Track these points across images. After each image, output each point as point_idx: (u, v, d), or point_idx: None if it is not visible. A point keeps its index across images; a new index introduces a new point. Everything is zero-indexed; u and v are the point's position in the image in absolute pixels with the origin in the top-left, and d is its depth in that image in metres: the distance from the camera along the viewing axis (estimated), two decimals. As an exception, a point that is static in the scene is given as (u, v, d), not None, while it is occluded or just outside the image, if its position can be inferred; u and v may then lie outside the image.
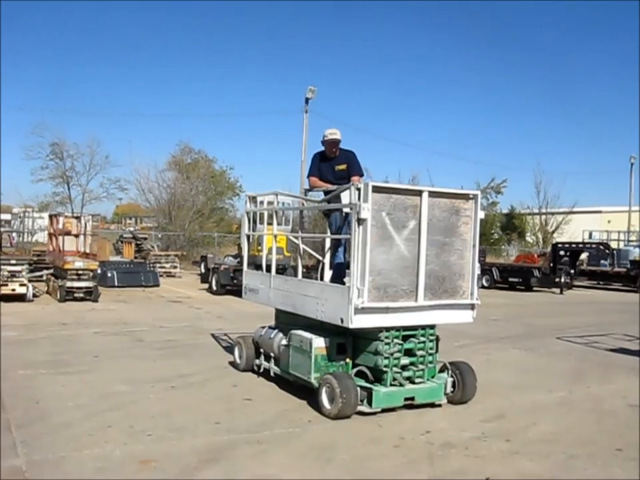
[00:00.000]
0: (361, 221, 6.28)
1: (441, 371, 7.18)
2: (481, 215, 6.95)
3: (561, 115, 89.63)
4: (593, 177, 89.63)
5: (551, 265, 26.26)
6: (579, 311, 19.48)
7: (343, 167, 7.67)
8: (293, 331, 7.25)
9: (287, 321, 8.05)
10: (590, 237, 36.32)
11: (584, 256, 30.39)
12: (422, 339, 6.85)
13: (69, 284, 16.37)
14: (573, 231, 38.95)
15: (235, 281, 18.60)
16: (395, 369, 6.66)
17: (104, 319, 13.61)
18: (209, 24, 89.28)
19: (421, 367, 6.84)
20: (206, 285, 21.05)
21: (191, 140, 41.28)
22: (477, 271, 7.02)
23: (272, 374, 7.85)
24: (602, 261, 29.87)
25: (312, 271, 20.67)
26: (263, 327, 8.32)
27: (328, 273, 7.86)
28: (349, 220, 7.30)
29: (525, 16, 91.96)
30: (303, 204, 8.11)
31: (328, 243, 7.84)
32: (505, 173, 78.69)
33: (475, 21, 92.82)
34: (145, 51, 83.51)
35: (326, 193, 7.56)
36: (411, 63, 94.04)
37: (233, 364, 8.80)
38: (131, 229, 35.06)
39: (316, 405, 6.68)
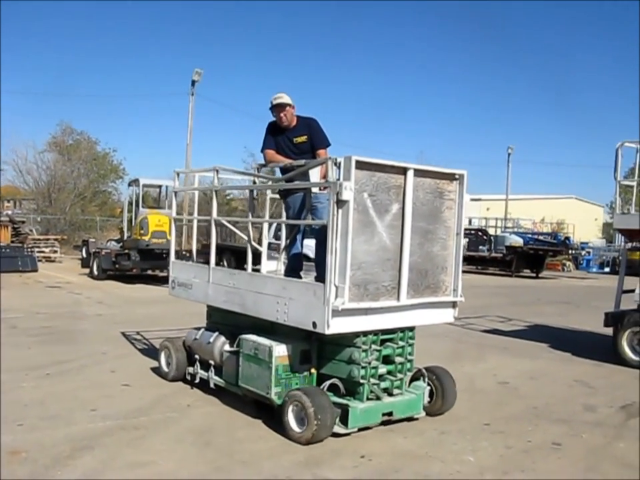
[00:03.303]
0: (341, 204, 4.92)
1: (415, 378, 5.97)
2: (467, 198, 5.79)
3: (444, 105, 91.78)
4: (473, 166, 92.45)
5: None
6: (457, 295, 19.54)
7: (303, 138, 6.13)
8: (243, 336, 5.77)
9: (223, 320, 6.58)
10: (470, 223, 36.88)
11: (464, 241, 30.68)
12: (401, 343, 5.61)
13: (-63, 269, 14.09)
14: (454, 217, 39.19)
15: (117, 266, 18.03)
16: (372, 379, 5.38)
17: (-24, 306, 12.09)
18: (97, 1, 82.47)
19: (399, 376, 5.60)
20: (87, 270, 19.70)
21: (72, 120, 38.08)
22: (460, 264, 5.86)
23: (212, 385, 6.32)
24: (480, 247, 30.33)
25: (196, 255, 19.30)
26: (197, 329, 6.76)
27: (267, 264, 6.47)
28: (313, 203, 5.94)
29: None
30: (254, 182, 6.52)
31: (265, 229, 6.45)
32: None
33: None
34: (25, 25, 75.63)
35: (284, 170, 6.11)
36: (298, 47, 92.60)
37: (157, 371, 7.17)
38: (9, 212, 31.79)
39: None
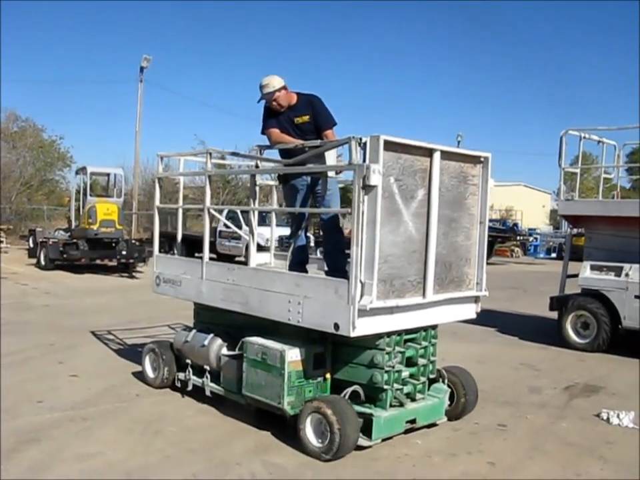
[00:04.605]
0: (368, 189, 4.24)
1: (433, 380, 5.34)
2: (492, 183, 5.20)
3: (391, 89, 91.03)
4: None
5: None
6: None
7: (305, 118, 5.37)
8: (248, 339, 5.03)
9: (214, 320, 5.87)
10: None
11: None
12: (424, 343, 4.99)
13: None
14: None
15: (65, 256, 17.24)
16: (395, 385, 4.74)
17: None
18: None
19: (422, 379, 4.98)
20: (34, 260, 18.86)
21: (17, 107, 36.04)
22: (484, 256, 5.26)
23: (207, 393, 5.55)
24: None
25: (146, 244, 18.42)
26: (186, 329, 5.99)
27: (257, 256, 5.73)
28: (318, 190, 5.25)
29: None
30: (257, 166, 5.71)
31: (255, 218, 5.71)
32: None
33: None
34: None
35: (284, 153, 5.36)
36: (246, 32, 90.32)
37: (141, 378, 6.35)
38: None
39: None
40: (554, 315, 9.51)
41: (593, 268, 8.98)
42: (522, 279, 21.46)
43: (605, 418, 5.67)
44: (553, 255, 33.37)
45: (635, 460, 4.74)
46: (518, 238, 33.31)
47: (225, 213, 17.56)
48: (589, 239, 9.52)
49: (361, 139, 4.30)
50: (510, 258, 32.51)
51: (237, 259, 19.42)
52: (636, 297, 8.37)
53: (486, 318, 6.28)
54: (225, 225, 18.82)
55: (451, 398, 5.35)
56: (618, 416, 5.63)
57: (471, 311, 5.30)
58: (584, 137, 9.55)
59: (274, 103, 5.40)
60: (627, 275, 8.52)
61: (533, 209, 47.35)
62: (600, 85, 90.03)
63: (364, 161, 4.26)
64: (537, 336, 9.63)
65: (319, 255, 10.17)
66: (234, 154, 6.21)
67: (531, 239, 35.08)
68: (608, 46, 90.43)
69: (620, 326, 8.70)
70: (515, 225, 34.36)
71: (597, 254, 9.13)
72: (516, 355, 8.48)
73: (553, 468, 4.55)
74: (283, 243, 12.84)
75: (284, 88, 5.41)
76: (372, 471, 4.38)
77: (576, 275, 9.23)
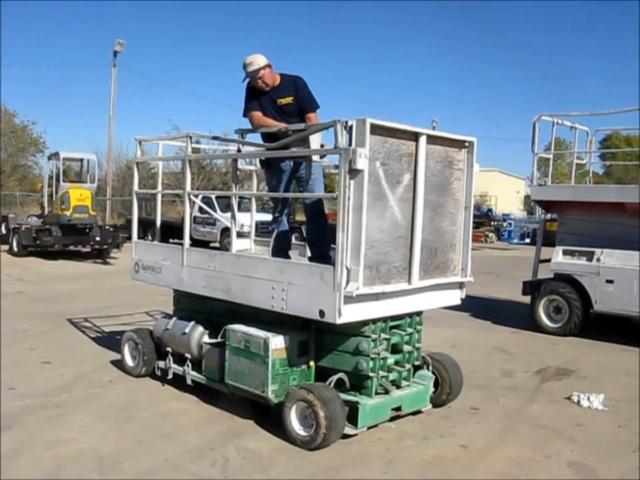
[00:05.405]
0: (354, 173, 4.10)
1: (417, 367, 5.22)
2: (477, 168, 5.08)
3: (366, 74, 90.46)
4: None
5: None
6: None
7: (289, 99, 5.18)
8: (230, 326, 4.86)
9: (194, 307, 5.71)
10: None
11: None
12: (409, 330, 4.88)
13: None
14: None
15: (38, 242, 16.94)
16: (381, 372, 4.63)
17: None
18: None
19: (407, 366, 4.87)
20: (6, 247, 18.38)
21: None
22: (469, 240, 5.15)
23: (188, 382, 5.39)
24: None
25: (120, 230, 18.08)
26: (166, 317, 5.81)
27: (238, 243, 5.56)
28: (301, 175, 5.09)
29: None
30: (239, 150, 5.50)
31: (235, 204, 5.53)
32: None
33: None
34: None
35: (266, 137, 5.16)
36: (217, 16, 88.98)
37: (114, 364, 6.22)
38: None
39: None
40: (527, 299, 9.51)
41: (565, 253, 8.99)
42: (496, 263, 21.51)
43: (575, 401, 5.69)
44: (527, 240, 33.29)
45: (604, 441, 4.76)
46: (492, 223, 33.40)
47: (199, 198, 17.31)
48: (562, 224, 9.49)
49: (346, 123, 4.14)
50: (484, 243, 32.52)
51: (211, 244, 19.17)
52: (607, 281, 8.41)
53: (460, 303, 6.36)
54: (201, 211, 18.59)
55: (435, 384, 5.26)
56: (588, 398, 5.65)
57: (455, 297, 5.21)
58: (557, 123, 9.50)
59: (259, 82, 5.17)
60: (598, 259, 8.53)
61: (507, 195, 47.44)
62: (576, 70, 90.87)
63: (350, 144, 4.11)
64: (510, 320, 9.63)
65: (293, 241, 10.03)
66: (215, 138, 5.98)
67: (505, 224, 35.06)
68: (585, 30, 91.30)
69: (591, 310, 8.73)
70: (490, 210, 34.39)
71: (569, 239, 9.12)
72: (489, 339, 8.47)
73: (524, 450, 4.54)
74: (258, 228, 12.66)
75: (268, 66, 5.20)
76: (346, 454, 4.32)
77: (549, 260, 9.22)
